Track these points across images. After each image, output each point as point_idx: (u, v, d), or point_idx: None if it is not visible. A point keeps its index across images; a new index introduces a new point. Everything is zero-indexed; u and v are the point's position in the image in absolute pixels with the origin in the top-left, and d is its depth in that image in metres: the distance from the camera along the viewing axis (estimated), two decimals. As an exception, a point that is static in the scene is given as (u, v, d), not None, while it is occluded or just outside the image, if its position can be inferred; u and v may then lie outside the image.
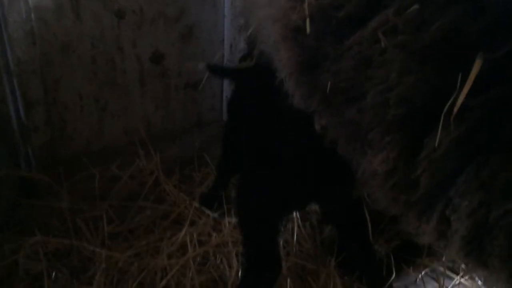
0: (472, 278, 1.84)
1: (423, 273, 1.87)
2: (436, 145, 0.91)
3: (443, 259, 1.86)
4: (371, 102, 1.04)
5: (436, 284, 1.84)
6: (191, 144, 2.51)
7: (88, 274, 1.64)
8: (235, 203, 1.60)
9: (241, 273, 1.61)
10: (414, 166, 0.98)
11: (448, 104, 0.88)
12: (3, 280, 1.54)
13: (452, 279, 1.86)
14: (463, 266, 1.82)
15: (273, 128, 1.42)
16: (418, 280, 1.85)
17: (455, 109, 0.88)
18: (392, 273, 1.72)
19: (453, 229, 0.92)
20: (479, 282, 1.81)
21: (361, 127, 1.10)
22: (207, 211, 2.06)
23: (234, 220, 1.95)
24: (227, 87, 2.60)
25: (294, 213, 2.01)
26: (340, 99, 1.14)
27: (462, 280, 1.83)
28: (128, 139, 2.39)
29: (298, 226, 1.98)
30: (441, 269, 1.83)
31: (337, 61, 1.12)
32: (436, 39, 0.92)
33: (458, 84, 0.87)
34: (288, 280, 1.56)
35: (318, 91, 1.20)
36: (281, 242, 1.89)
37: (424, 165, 0.95)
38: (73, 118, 2.20)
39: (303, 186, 1.39)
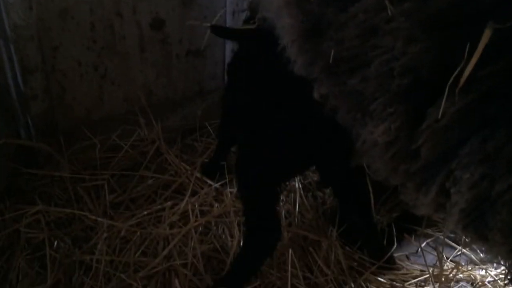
0: (473, 249, 1.84)
1: (424, 243, 1.88)
2: (440, 115, 0.89)
3: (444, 229, 1.87)
4: (375, 71, 1.01)
5: (436, 253, 1.85)
6: (193, 113, 2.47)
7: (90, 244, 1.65)
8: (234, 170, 1.60)
9: (242, 241, 1.62)
10: (416, 136, 0.96)
11: (455, 74, 0.85)
12: (5, 249, 1.54)
13: (454, 249, 1.87)
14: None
15: (272, 94, 1.40)
16: (419, 250, 1.86)
17: (462, 80, 0.86)
18: (394, 243, 1.72)
19: (452, 202, 0.91)
20: (481, 255, 1.82)
21: (363, 97, 1.08)
22: (209, 181, 2.05)
23: (235, 190, 1.94)
24: (230, 54, 2.54)
25: (296, 183, 2.01)
26: (343, 68, 1.12)
27: (464, 250, 1.84)
28: (128, 108, 2.35)
29: (300, 197, 1.98)
30: (442, 238, 1.84)
31: (341, 29, 1.08)
32: (443, 6, 0.89)
33: (466, 54, 0.84)
34: (290, 251, 1.56)
35: (320, 59, 1.18)
36: (283, 212, 1.90)
37: (426, 135, 0.93)
38: (72, 86, 2.16)
39: (300, 152, 1.39)
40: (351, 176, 1.55)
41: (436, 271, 1.68)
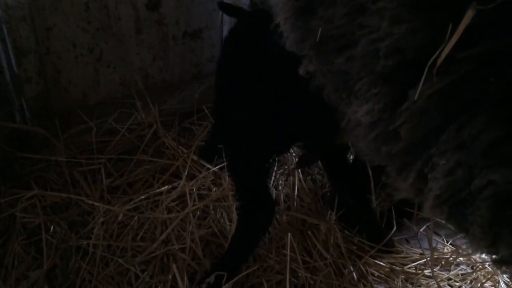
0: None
1: (424, 226, 1.86)
2: (416, 97, 0.87)
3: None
4: (361, 51, 1.00)
5: (437, 238, 1.85)
6: (191, 96, 2.44)
7: (87, 228, 1.63)
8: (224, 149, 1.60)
9: (237, 221, 1.60)
10: (395, 117, 0.95)
11: (435, 55, 0.83)
12: (0, 234, 1.52)
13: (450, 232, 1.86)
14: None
15: (259, 70, 1.40)
16: (419, 233, 1.85)
17: (439, 61, 0.83)
18: (393, 227, 1.71)
19: (428, 187, 0.90)
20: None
21: (349, 76, 1.08)
22: (207, 164, 2.02)
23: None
24: (227, 36, 2.50)
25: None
26: (331, 47, 1.12)
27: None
28: (125, 91, 2.32)
29: (299, 181, 1.96)
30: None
31: (330, 7, 1.07)
32: None
33: (448, 34, 0.81)
34: (289, 235, 1.55)
35: (311, 36, 1.16)
36: (281, 196, 1.89)
37: (404, 117, 0.92)
38: (67, 69, 2.12)
39: (286, 126, 1.39)
40: (341, 156, 1.55)
41: (435, 255, 1.68)
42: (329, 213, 1.75)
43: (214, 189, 1.89)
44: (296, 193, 1.89)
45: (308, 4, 1.15)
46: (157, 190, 1.88)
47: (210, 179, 1.95)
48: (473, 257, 1.71)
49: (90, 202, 1.67)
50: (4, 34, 1.76)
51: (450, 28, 0.81)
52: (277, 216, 1.77)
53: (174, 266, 1.53)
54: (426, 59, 0.86)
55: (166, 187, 1.89)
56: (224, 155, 1.80)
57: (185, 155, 2.06)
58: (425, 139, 0.91)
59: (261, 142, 1.42)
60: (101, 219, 1.58)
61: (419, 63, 0.89)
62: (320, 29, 1.09)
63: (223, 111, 1.79)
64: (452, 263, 1.67)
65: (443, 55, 0.82)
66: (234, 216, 1.75)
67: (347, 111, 1.11)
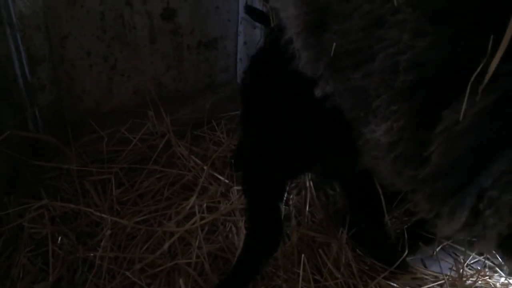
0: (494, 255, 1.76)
1: (440, 247, 1.80)
2: (461, 117, 0.80)
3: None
4: (379, 66, 0.95)
5: (451, 259, 1.78)
6: (204, 106, 2.42)
7: (95, 240, 1.61)
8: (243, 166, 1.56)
9: (243, 239, 1.57)
10: (426, 141, 0.88)
11: (477, 71, 0.77)
12: (8, 244, 1.51)
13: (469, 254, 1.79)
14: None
15: (278, 88, 1.35)
16: (435, 253, 1.78)
17: (487, 76, 0.77)
18: (405, 250, 1.65)
19: (488, 224, 0.81)
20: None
21: (367, 93, 1.02)
22: (220, 177, 1.99)
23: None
24: (241, 47, 2.48)
25: (307, 181, 1.94)
26: (347, 63, 1.06)
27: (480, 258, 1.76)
28: (138, 100, 2.31)
29: (311, 195, 1.91)
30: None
31: (345, 21, 1.02)
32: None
33: (490, 47, 0.76)
34: (303, 256, 1.50)
35: (325, 54, 1.11)
36: (293, 212, 1.84)
37: (440, 140, 0.85)
38: (81, 77, 2.12)
39: (305, 148, 1.33)
40: (358, 178, 1.49)
41: (452, 278, 1.61)
42: (340, 231, 1.70)
43: (224, 202, 1.86)
44: (307, 209, 1.85)
45: (320, 18, 1.10)
46: (168, 203, 1.86)
47: (221, 191, 1.93)
48: (492, 281, 1.63)
49: (98, 214, 1.65)
50: (18, 42, 1.77)
51: (491, 40, 0.75)
52: (287, 232, 1.73)
53: (180, 281, 1.50)
54: (450, 73, 0.82)
55: (177, 199, 1.87)
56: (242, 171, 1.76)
57: (197, 167, 2.03)
58: (467, 164, 0.84)
59: (278, 163, 1.38)
60: (108, 232, 1.56)
61: (442, 78, 0.85)
62: (334, 44, 1.04)
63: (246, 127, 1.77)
64: (470, 286, 1.60)
65: (491, 69, 0.76)
66: (242, 232, 1.71)
67: (364, 131, 1.06)
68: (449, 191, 0.88)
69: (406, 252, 1.62)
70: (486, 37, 0.76)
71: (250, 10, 1.82)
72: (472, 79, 0.78)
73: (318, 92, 1.17)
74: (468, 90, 0.80)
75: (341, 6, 1.02)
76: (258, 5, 2.29)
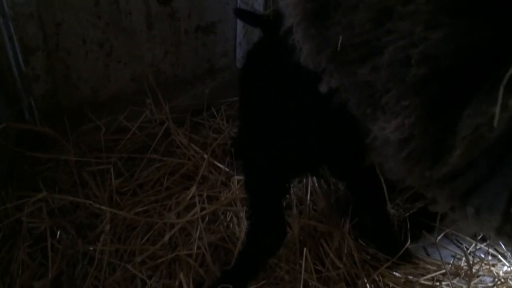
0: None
1: (441, 235, 1.78)
2: (495, 123, 0.74)
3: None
4: (388, 59, 0.90)
5: (454, 246, 1.77)
6: (203, 92, 2.38)
7: (95, 233, 1.60)
8: (242, 161, 1.52)
9: (245, 236, 1.55)
10: (440, 137, 0.85)
11: (510, 72, 0.71)
12: (6, 239, 1.50)
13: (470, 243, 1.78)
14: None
15: (281, 82, 1.29)
16: (437, 240, 1.77)
17: None
18: (408, 239, 1.64)
19: None
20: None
21: (374, 89, 0.97)
22: (221, 166, 1.97)
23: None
24: (240, 31, 2.42)
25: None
26: (353, 56, 1.00)
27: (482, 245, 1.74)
28: (136, 87, 2.27)
29: (313, 183, 1.89)
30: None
31: (351, 12, 0.96)
32: None
33: None
34: (305, 250, 1.48)
35: (328, 46, 1.06)
36: (294, 201, 1.82)
37: (464, 145, 0.80)
38: (77, 65, 2.08)
39: (308, 148, 1.28)
40: (363, 172, 1.45)
41: (454, 266, 1.60)
42: (343, 220, 1.68)
43: (224, 192, 1.84)
44: (309, 198, 1.83)
45: (321, 6, 1.05)
46: (168, 192, 1.84)
47: (222, 180, 1.91)
48: (495, 270, 1.62)
49: (98, 206, 1.64)
50: (11, 32, 1.72)
51: None
52: (289, 222, 1.72)
53: (181, 274, 1.49)
54: (465, 66, 0.78)
55: (177, 188, 1.85)
56: (242, 167, 1.72)
57: (197, 156, 2.01)
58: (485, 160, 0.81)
59: (280, 162, 1.33)
60: (107, 227, 1.55)
61: (456, 71, 0.80)
62: (340, 37, 0.98)
63: (245, 122, 1.73)
64: (474, 275, 1.59)
65: None
66: (244, 222, 1.70)
67: (372, 127, 1.02)
68: (471, 189, 0.85)
69: (409, 242, 1.61)
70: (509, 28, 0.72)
71: (240, 13, 1.75)
72: (504, 82, 0.72)
73: (323, 88, 1.12)
74: (501, 93, 0.74)
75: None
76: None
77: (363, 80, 0.98)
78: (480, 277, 1.62)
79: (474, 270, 1.59)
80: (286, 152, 1.31)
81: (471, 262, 1.62)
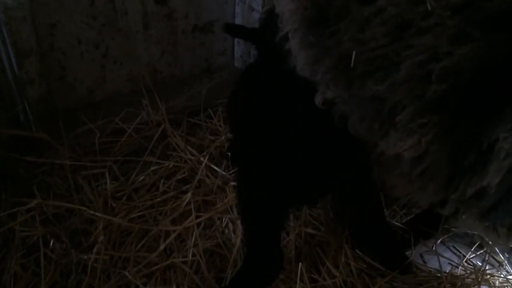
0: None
1: (439, 241, 1.77)
2: None
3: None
4: (405, 74, 0.86)
5: (451, 253, 1.76)
6: (200, 92, 2.35)
7: (90, 239, 1.59)
8: (236, 194, 1.47)
9: (241, 263, 1.52)
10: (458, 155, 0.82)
11: None
12: (-1, 248, 1.49)
13: (469, 248, 1.76)
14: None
15: (275, 104, 1.22)
16: (434, 247, 1.76)
17: None
18: (408, 250, 1.63)
19: None
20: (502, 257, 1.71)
21: (383, 104, 0.93)
22: (217, 169, 1.95)
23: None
24: (239, 30, 2.38)
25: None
26: (361, 70, 0.96)
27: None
28: (132, 87, 2.24)
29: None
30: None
31: (364, 25, 0.92)
32: None
33: None
34: (300, 265, 1.47)
35: (328, 56, 1.02)
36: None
37: (500, 170, 0.77)
38: (72, 65, 2.05)
39: (306, 178, 1.21)
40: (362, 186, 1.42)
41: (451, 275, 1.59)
42: (340, 228, 1.67)
43: (220, 197, 1.82)
44: (306, 204, 1.81)
45: (321, 14, 1.01)
46: (164, 197, 1.83)
47: (218, 184, 1.89)
48: (492, 279, 1.61)
49: (92, 212, 1.62)
50: (4, 36, 1.69)
51: None
52: (285, 228, 1.70)
53: (174, 284, 1.49)
54: (484, 81, 0.76)
55: (172, 193, 1.84)
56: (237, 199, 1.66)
57: (193, 159, 1.99)
58: None
59: (277, 194, 1.26)
60: (101, 238, 1.53)
61: (476, 86, 0.78)
62: (354, 53, 0.94)
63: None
64: (471, 285, 1.58)
65: None
66: (239, 228, 1.69)
67: (379, 143, 0.98)
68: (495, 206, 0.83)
69: (411, 257, 1.59)
70: None
71: (229, 28, 1.70)
72: None
73: (318, 99, 1.08)
74: None
75: (359, 10, 0.91)
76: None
77: (371, 95, 0.94)
78: (476, 286, 1.61)
79: (470, 280, 1.58)
80: (284, 183, 1.24)
81: (468, 271, 1.62)
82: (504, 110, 0.78)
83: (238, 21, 2.38)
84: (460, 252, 1.76)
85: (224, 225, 1.75)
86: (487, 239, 1.66)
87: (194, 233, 1.64)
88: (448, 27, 0.79)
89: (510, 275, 1.66)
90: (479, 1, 0.75)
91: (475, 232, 1.73)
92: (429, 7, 0.79)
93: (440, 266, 1.66)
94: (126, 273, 1.50)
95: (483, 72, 0.78)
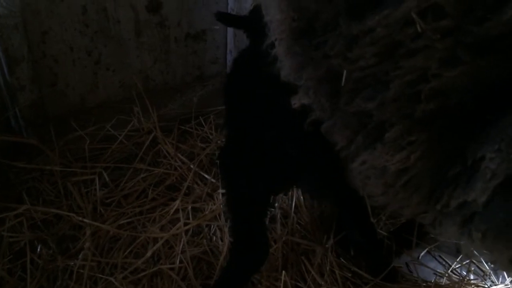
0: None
1: (425, 251, 1.79)
2: None
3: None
4: (394, 94, 0.88)
5: (436, 263, 1.77)
6: (192, 100, 2.37)
7: (77, 246, 1.60)
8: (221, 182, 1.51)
9: (229, 254, 1.55)
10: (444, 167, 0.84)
11: None
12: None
13: (455, 257, 1.78)
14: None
15: (260, 99, 1.30)
16: (420, 257, 1.77)
17: None
18: (392, 258, 1.64)
19: None
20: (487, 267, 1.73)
21: (369, 119, 0.95)
22: (207, 176, 1.97)
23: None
24: (231, 38, 2.41)
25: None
26: (350, 87, 0.97)
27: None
28: (125, 95, 2.26)
29: (297, 197, 1.89)
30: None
31: (353, 43, 0.93)
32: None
33: None
34: (283, 273, 1.48)
35: (312, 66, 1.04)
36: (278, 215, 1.82)
37: (480, 191, 0.80)
38: (64, 72, 2.07)
39: (287, 167, 1.29)
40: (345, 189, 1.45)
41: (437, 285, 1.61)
42: (326, 236, 1.68)
43: (209, 204, 1.84)
44: (293, 211, 1.83)
45: (310, 26, 1.02)
46: (153, 204, 1.84)
47: (207, 191, 1.91)
48: (476, 288, 1.63)
49: (80, 218, 1.64)
50: (-4, 42, 1.71)
51: None
52: (273, 236, 1.72)
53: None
54: (472, 101, 0.78)
55: (162, 200, 1.85)
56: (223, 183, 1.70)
57: (183, 167, 2.00)
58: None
59: (260, 179, 1.33)
60: (87, 244, 1.54)
61: (464, 106, 0.80)
62: (345, 72, 0.96)
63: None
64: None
65: None
66: (227, 235, 1.70)
67: (362, 154, 1.00)
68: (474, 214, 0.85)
69: (396, 266, 1.61)
70: None
71: (222, 16, 1.72)
72: None
73: (294, 102, 1.12)
74: None
75: (348, 25, 0.92)
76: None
77: (358, 110, 0.96)
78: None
79: (454, 289, 1.60)
80: (267, 168, 1.31)
81: (453, 281, 1.63)
82: (489, 132, 0.80)
83: (230, 29, 2.40)
84: (446, 262, 1.77)
85: (212, 232, 1.77)
86: (466, 248, 1.67)
87: (182, 240, 1.65)
88: (438, 50, 0.80)
89: (495, 285, 1.67)
90: (469, 25, 0.75)
91: (450, 240, 1.74)
92: (419, 29, 0.80)
93: (425, 276, 1.68)
94: (113, 279, 1.51)
95: (471, 94, 0.80)
